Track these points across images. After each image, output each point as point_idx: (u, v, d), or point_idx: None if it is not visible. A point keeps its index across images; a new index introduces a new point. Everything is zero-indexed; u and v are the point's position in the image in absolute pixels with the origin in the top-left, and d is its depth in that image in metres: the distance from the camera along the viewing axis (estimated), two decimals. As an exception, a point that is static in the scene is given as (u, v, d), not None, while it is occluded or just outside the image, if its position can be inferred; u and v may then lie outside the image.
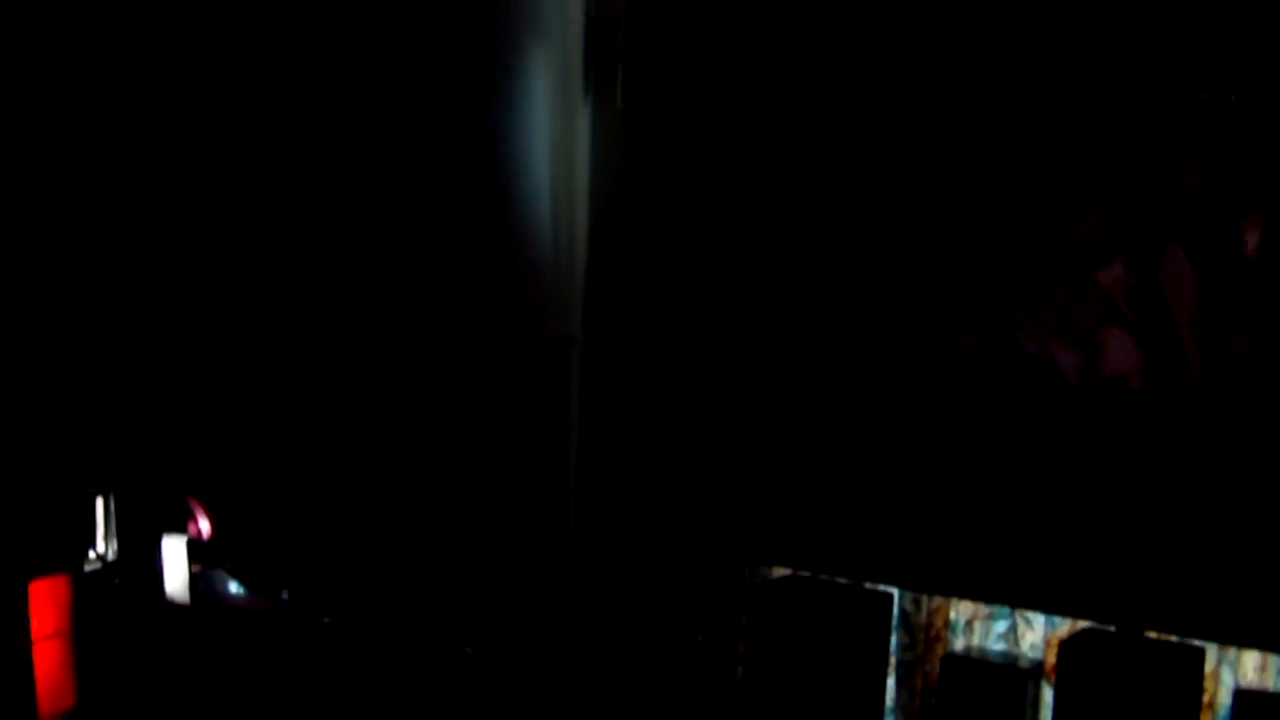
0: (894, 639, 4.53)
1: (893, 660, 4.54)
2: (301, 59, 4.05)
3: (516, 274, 4.64)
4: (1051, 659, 4.30)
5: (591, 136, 4.81)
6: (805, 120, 4.35)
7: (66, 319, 3.59)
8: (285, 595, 3.67)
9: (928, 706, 4.48)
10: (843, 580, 4.49)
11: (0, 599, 3.40)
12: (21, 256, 3.49)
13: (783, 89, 4.38)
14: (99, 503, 3.60)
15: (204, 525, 3.72)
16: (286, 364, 4.03)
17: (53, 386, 3.56)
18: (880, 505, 4.32)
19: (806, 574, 4.57)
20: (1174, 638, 4.03)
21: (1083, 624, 4.20)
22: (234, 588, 3.69)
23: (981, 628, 4.48)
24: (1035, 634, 4.41)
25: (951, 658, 4.34)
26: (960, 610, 4.51)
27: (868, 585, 4.45)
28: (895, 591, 4.48)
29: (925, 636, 4.55)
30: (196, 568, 3.66)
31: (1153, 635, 4.05)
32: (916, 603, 4.55)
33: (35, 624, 3.46)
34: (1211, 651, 4.07)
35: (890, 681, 4.53)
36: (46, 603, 3.50)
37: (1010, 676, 4.21)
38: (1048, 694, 4.28)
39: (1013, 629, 4.44)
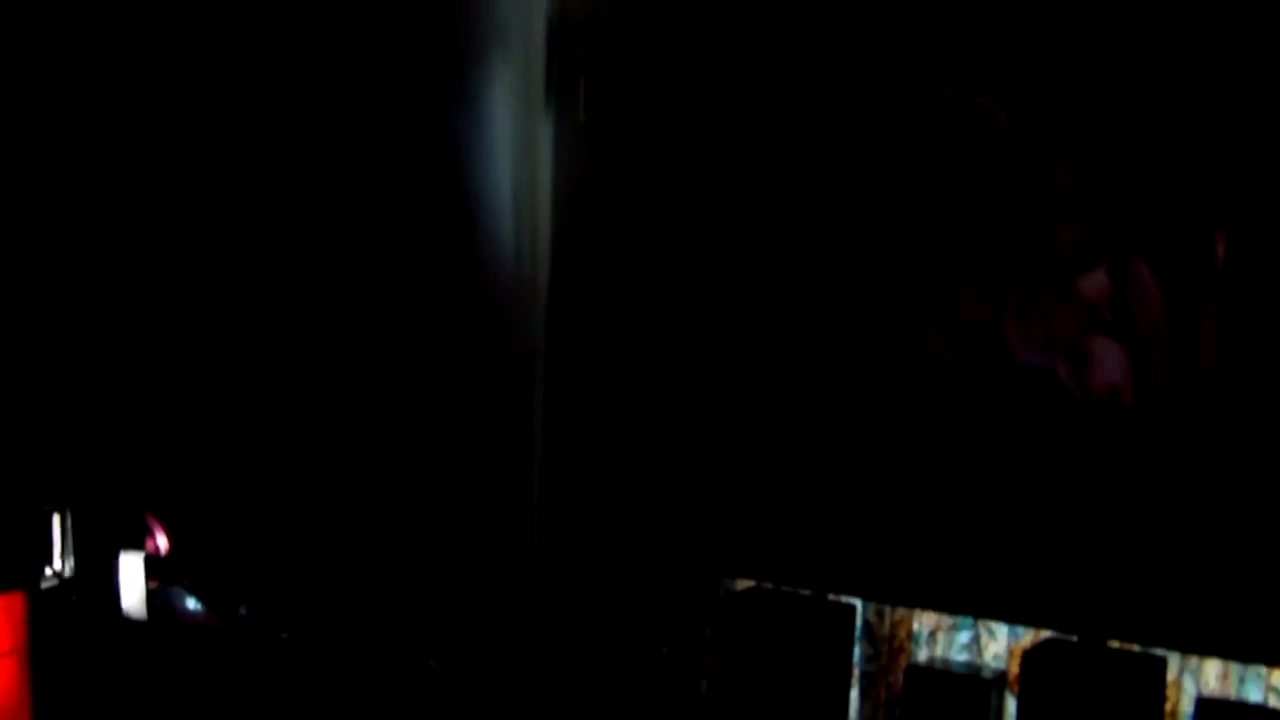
0: (857, 650, 4.53)
1: (856, 671, 4.54)
2: (264, 71, 4.03)
3: (479, 286, 4.63)
4: (1014, 669, 4.31)
5: (554, 147, 4.80)
6: (770, 130, 4.35)
7: (20, 337, 3.56)
8: (243, 611, 3.64)
9: (891, 717, 4.48)
10: (806, 592, 4.49)
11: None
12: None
13: (747, 98, 4.38)
14: (55, 520, 3.57)
15: (161, 541, 3.69)
16: (245, 378, 4.01)
17: (7, 404, 3.53)
18: (842, 517, 4.32)
19: (770, 586, 4.56)
20: (1136, 647, 4.04)
21: (1045, 634, 4.20)
22: (192, 604, 3.66)
23: (945, 638, 4.48)
24: (998, 644, 4.41)
25: (915, 669, 4.34)
26: (923, 621, 4.51)
27: (831, 597, 4.45)
28: (858, 603, 4.48)
29: (889, 648, 4.54)
30: (154, 584, 3.63)
31: (1115, 645, 4.06)
32: (880, 614, 4.55)
33: (-9, 641, 3.43)
34: (1173, 660, 4.09)
35: (854, 693, 4.53)
36: (2, 620, 3.46)
37: (973, 687, 4.21)
38: (1011, 704, 4.28)
39: (976, 639, 4.44)
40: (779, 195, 4.35)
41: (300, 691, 3.62)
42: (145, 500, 3.72)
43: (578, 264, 4.77)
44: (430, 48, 4.44)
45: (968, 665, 4.38)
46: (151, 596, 3.62)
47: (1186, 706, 4.14)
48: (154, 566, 3.64)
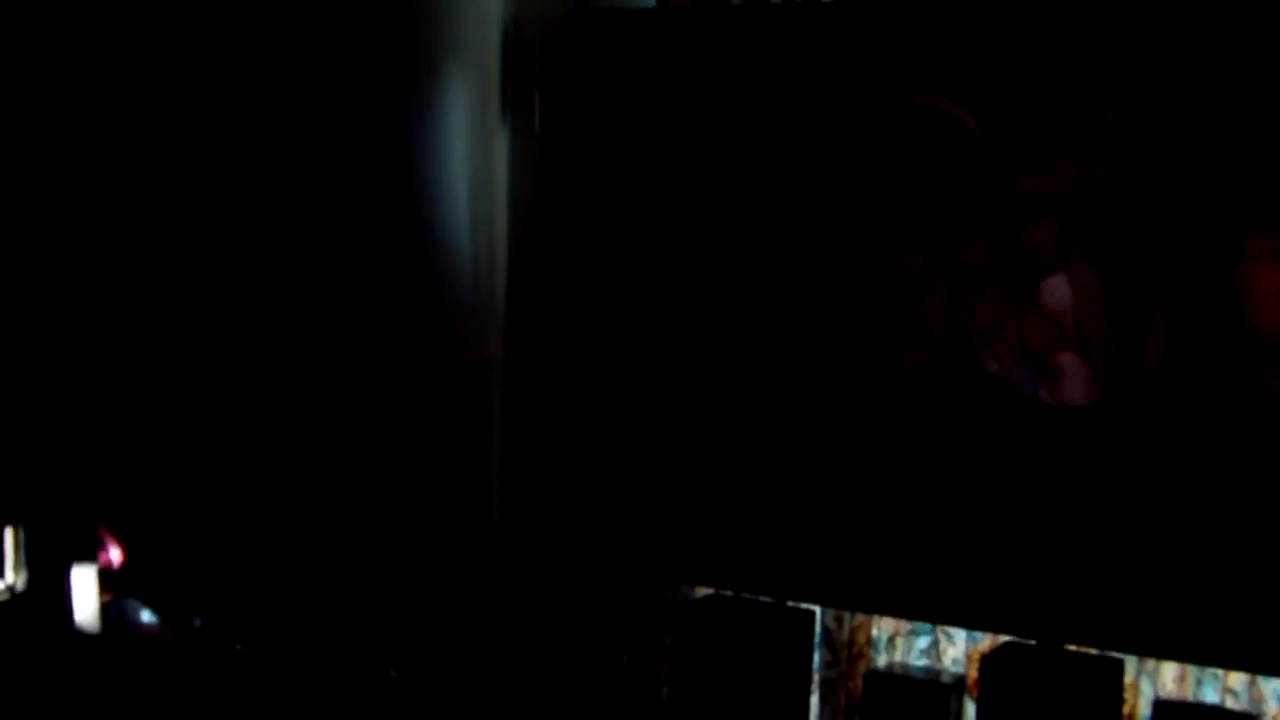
0: (817, 656, 4.54)
1: (816, 678, 4.55)
2: (218, 82, 4.03)
3: (435, 297, 4.62)
4: (973, 673, 4.33)
5: (510, 159, 4.80)
6: (731, 137, 4.36)
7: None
8: (198, 623, 3.62)
9: (852, 723, 4.50)
10: (765, 599, 4.49)
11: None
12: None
13: (706, 104, 4.39)
14: (7, 533, 3.54)
15: (115, 554, 3.67)
16: (200, 389, 3.99)
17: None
18: (801, 525, 4.32)
19: (729, 593, 4.57)
20: (1093, 650, 4.05)
21: (1003, 638, 4.22)
22: (146, 616, 3.64)
23: (903, 644, 4.49)
24: (957, 649, 4.43)
25: (874, 674, 4.35)
26: (882, 627, 4.52)
27: (790, 604, 4.45)
28: (817, 609, 4.49)
29: (848, 654, 4.56)
30: (108, 597, 3.61)
31: (1072, 648, 4.08)
32: (839, 620, 4.56)
33: (-58, 657, 3.40)
34: (1130, 663, 4.11)
35: (814, 699, 4.54)
36: (-46, 635, 3.44)
37: (933, 692, 4.23)
38: (970, 708, 4.30)
39: (934, 644, 4.46)
40: (740, 200, 4.35)
41: (258, 704, 3.60)
42: (98, 513, 3.70)
43: (535, 274, 4.77)
44: (385, 60, 4.44)
45: (927, 670, 4.40)
46: (105, 609, 3.60)
47: (1144, 709, 4.16)
48: (108, 579, 3.62)
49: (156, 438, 3.91)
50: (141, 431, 3.88)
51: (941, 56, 4.05)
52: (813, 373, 4.28)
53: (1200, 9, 3.74)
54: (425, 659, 4.32)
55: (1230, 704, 4.07)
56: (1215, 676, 4.14)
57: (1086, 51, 3.87)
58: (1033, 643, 4.11)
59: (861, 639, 4.54)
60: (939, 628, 4.44)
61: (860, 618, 4.55)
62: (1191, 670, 4.15)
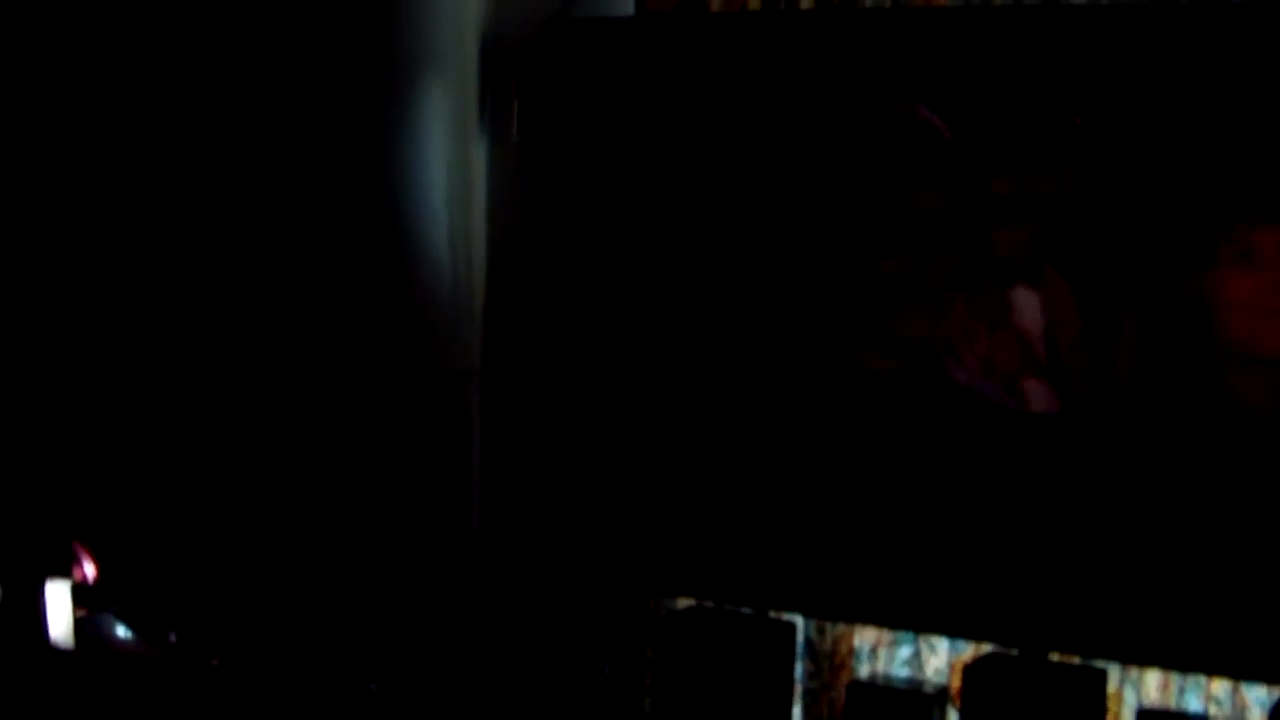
0: (799, 667, 4.53)
1: (798, 688, 4.53)
2: (190, 90, 4.01)
3: (412, 307, 4.60)
4: (956, 683, 4.31)
5: (488, 167, 4.79)
6: (706, 145, 4.35)
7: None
8: (173, 638, 3.60)
9: (834, 734, 4.49)
10: (747, 610, 4.48)
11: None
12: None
13: (681, 111, 4.38)
14: (-21, 548, 3.53)
15: (89, 569, 3.64)
16: (172, 402, 3.97)
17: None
18: (782, 535, 4.31)
19: (711, 604, 4.55)
20: (1076, 659, 4.05)
21: (986, 648, 4.21)
22: (121, 631, 3.61)
23: (886, 654, 4.48)
24: (939, 659, 4.42)
25: (856, 685, 4.33)
26: (864, 637, 4.51)
27: (771, 614, 4.44)
28: (799, 620, 4.48)
29: (830, 664, 4.54)
30: (82, 612, 3.58)
31: (1055, 657, 4.07)
32: (821, 631, 4.55)
33: (-85, 674, 3.38)
34: (1114, 672, 4.10)
35: (796, 710, 4.52)
36: (-73, 652, 3.41)
37: (915, 702, 4.20)
38: (953, 718, 4.28)
39: (917, 655, 4.45)
40: (718, 207, 4.34)
41: (234, 718, 3.58)
42: (72, 527, 3.68)
43: (514, 284, 4.75)
44: (361, 69, 4.42)
45: (909, 680, 4.39)
46: (80, 625, 3.57)
47: (1128, 717, 4.16)
48: (82, 594, 3.60)
49: (130, 452, 3.89)
50: (115, 446, 3.85)
51: (917, 64, 4.05)
52: (792, 381, 4.27)
53: (1170, 17, 3.76)
54: (406, 672, 4.30)
55: (1214, 712, 4.07)
56: (1198, 684, 4.13)
57: (1056, 57, 3.88)
58: (1015, 652, 4.10)
59: (844, 649, 4.53)
60: (921, 637, 4.42)
61: (842, 628, 4.54)
62: (1174, 678, 4.14)
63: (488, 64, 4.75)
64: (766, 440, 4.33)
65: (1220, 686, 4.10)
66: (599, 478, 4.59)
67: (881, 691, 4.27)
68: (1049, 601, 3.98)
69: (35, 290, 3.70)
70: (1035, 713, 3.96)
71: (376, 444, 4.48)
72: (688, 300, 4.40)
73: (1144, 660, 4.03)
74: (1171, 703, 4.13)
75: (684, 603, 4.67)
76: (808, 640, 4.55)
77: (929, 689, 4.28)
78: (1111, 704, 4.11)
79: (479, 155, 4.77)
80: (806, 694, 4.56)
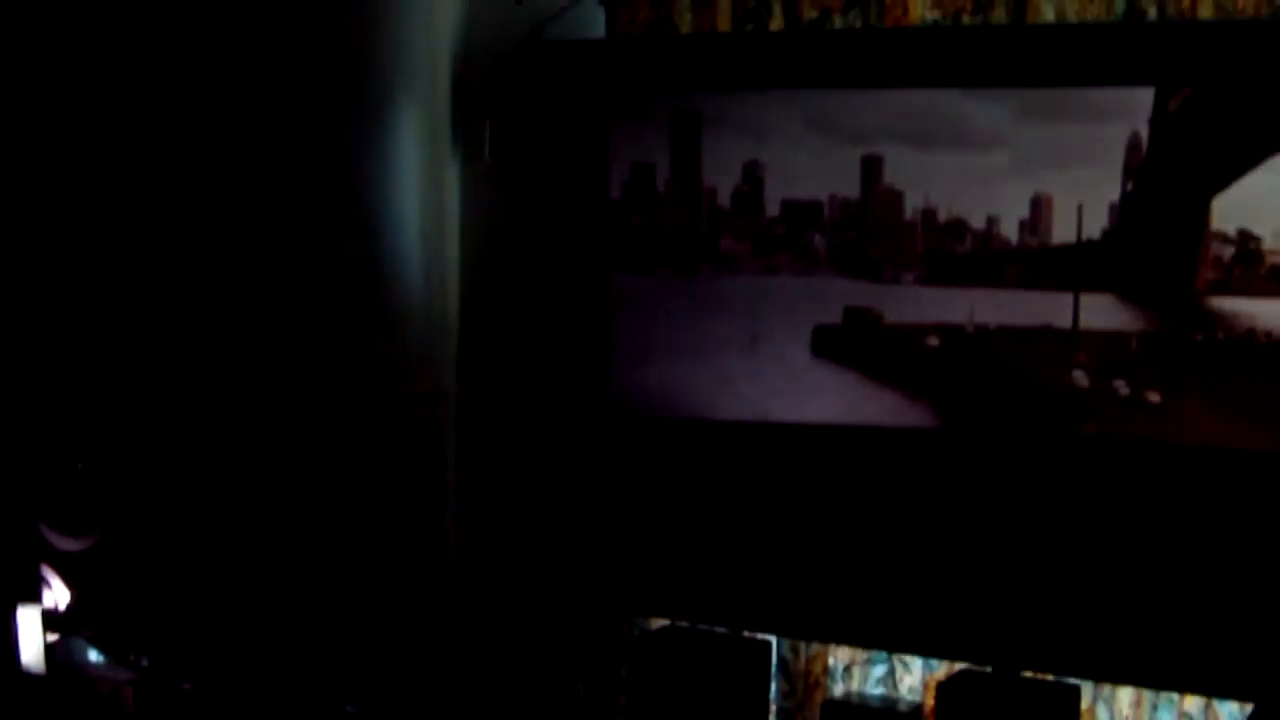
0: (774, 686, 4.52)
1: (773, 708, 4.53)
2: (158, 109, 4.00)
3: (386, 328, 4.60)
4: (930, 701, 4.32)
5: (461, 188, 4.79)
6: (673, 169, 4.37)
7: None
8: (145, 662, 3.58)
9: (809, 753, 4.49)
10: (721, 629, 4.48)
11: None
12: None
13: (648, 139, 4.39)
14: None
15: (60, 594, 3.62)
16: (141, 425, 3.96)
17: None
18: (755, 555, 4.31)
19: (685, 624, 4.55)
20: (1050, 676, 4.05)
21: (959, 666, 4.21)
22: (93, 656, 3.60)
23: (860, 672, 4.49)
24: (913, 677, 4.42)
25: (831, 703, 4.34)
26: (838, 656, 4.52)
27: (746, 634, 4.43)
28: (773, 639, 4.47)
29: (804, 683, 4.55)
30: (53, 637, 3.56)
31: (1028, 674, 4.08)
32: (795, 650, 4.55)
33: (-116, 701, 3.36)
34: (1087, 689, 4.11)
35: (772, 729, 4.53)
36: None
37: (889, 720, 4.23)
38: (928, 736, 4.30)
39: (891, 673, 4.45)
40: (688, 227, 4.36)
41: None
42: (42, 551, 3.66)
43: (488, 304, 4.75)
44: (333, 89, 4.42)
45: (884, 699, 4.40)
46: (51, 650, 3.56)
47: (1101, 734, 4.18)
48: (53, 619, 3.58)
49: (99, 474, 3.87)
50: (83, 468, 3.83)
51: (887, 83, 4.07)
52: (765, 400, 4.27)
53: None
54: (382, 693, 4.29)
55: (1186, 728, 4.09)
56: (1171, 701, 4.15)
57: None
58: (989, 670, 4.11)
59: (818, 668, 4.54)
60: (895, 656, 4.43)
61: (817, 647, 4.54)
62: (1147, 695, 4.15)
63: (460, 85, 4.75)
64: (741, 460, 4.34)
65: (1193, 703, 4.11)
66: (574, 498, 4.59)
67: (856, 710, 4.28)
68: (1022, 620, 3.99)
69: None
70: (1010, 729, 3.98)
71: (352, 465, 4.47)
72: (658, 320, 4.41)
73: (1117, 678, 4.04)
74: (1144, 719, 4.14)
75: (659, 622, 4.66)
76: (782, 659, 4.55)
77: (903, 707, 4.29)
78: (1085, 720, 4.13)
79: (452, 176, 4.77)
80: (781, 713, 4.56)
